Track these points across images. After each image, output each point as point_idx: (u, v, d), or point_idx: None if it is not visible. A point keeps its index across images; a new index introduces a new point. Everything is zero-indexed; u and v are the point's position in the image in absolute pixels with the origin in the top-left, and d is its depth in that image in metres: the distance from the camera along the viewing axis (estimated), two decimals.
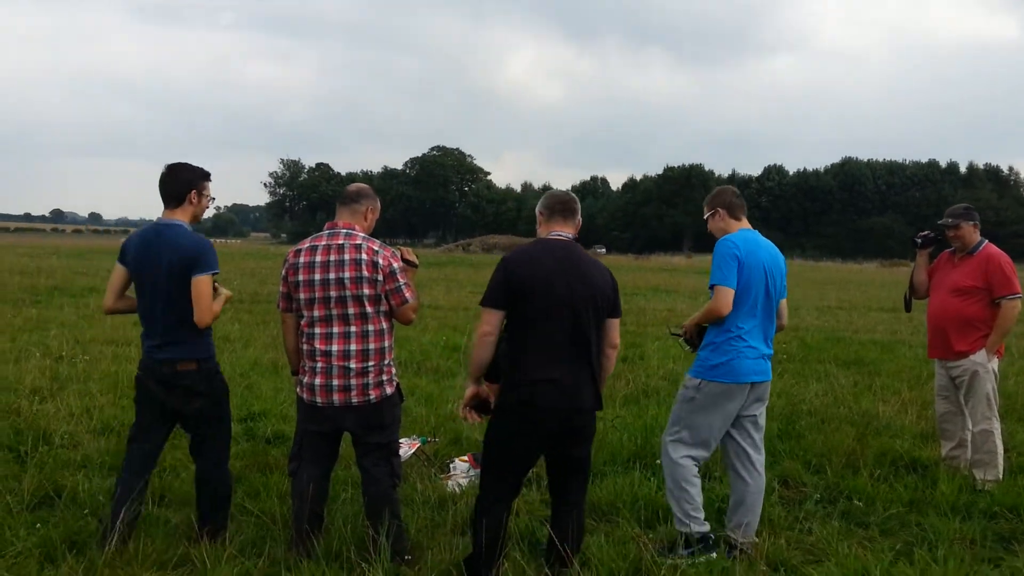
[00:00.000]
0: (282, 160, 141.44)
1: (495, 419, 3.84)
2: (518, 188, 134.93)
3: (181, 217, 4.08)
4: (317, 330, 4.00)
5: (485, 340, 3.76)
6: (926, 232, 5.92)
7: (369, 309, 3.97)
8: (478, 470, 5.57)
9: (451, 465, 5.73)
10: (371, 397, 3.99)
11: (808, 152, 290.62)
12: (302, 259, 4.01)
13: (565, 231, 3.92)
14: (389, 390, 4.06)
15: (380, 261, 3.97)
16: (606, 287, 3.81)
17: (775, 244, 4.51)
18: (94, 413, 6.54)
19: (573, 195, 4.03)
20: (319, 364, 3.98)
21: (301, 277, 3.98)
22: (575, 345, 3.71)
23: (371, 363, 3.98)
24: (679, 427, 4.33)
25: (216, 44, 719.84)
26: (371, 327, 3.99)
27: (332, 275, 3.94)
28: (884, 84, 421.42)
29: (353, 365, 3.95)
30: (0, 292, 17.42)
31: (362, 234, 4.08)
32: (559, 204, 3.94)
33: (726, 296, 4.16)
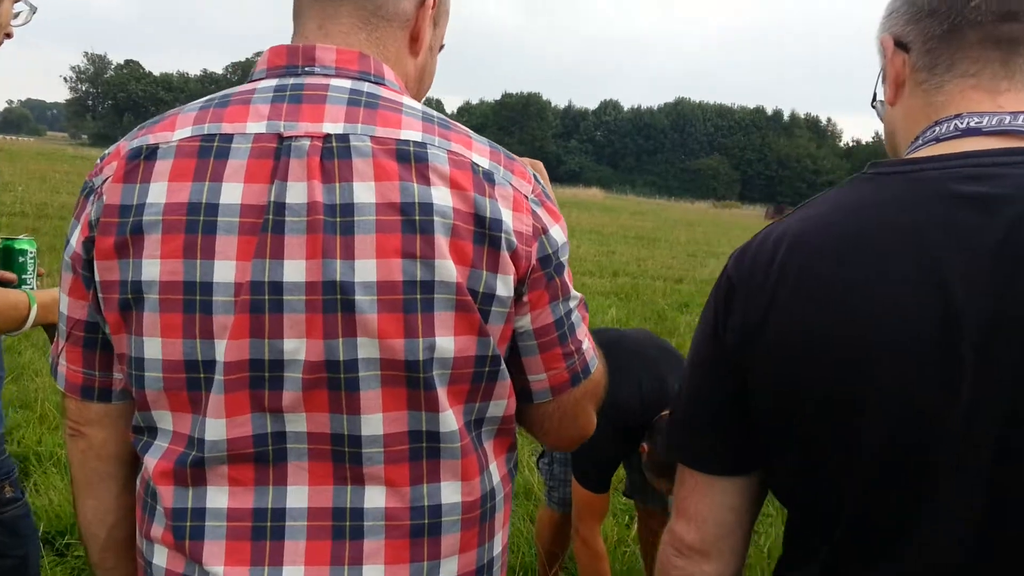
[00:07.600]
0: (86, 54, 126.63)
1: None
2: None
3: None
4: (221, 473, 0.88)
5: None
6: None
7: (447, 408, 0.89)
8: None
9: None
10: None
11: (643, 90, 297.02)
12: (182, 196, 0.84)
13: (1007, 104, 0.82)
14: None
15: (506, 220, 0.87)
16: None
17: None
18: None
19: None
20: None
21: (150, 271, 0.84)
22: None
23: None
24: None
25: None
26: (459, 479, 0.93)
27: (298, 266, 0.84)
28: (719, 28, 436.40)
29: None
30: None
31: (408, 99, 0.92)
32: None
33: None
